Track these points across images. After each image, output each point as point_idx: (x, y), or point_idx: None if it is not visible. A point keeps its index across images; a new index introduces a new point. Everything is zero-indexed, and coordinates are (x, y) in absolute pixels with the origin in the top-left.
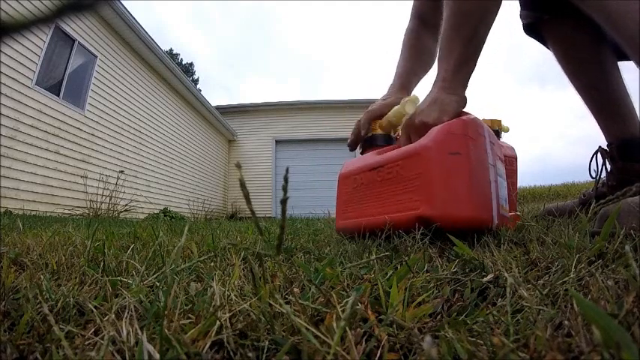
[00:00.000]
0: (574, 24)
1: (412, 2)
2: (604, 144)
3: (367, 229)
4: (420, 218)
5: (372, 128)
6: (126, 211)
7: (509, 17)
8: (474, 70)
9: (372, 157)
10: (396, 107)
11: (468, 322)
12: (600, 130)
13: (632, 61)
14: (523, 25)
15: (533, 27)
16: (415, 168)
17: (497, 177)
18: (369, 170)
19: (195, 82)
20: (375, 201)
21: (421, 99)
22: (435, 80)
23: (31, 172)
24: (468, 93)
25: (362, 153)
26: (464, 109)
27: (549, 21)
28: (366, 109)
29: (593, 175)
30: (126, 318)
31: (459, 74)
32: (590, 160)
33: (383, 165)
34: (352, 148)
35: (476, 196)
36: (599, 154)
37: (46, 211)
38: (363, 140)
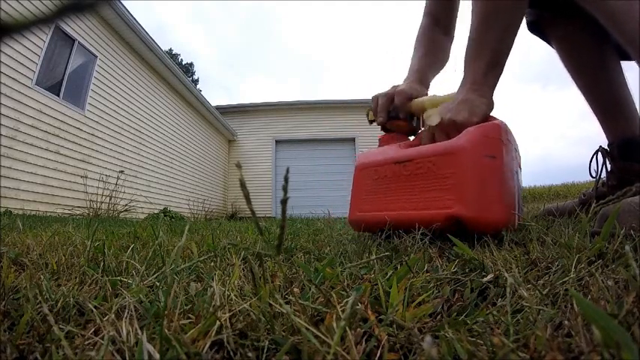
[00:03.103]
0: (577, 23)
1: (424, 1)
2: (605, 144)
3: (390, 223)
4: (452, 217)
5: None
6: (126, 211)
7: None
8: (502, 72)
9: (395, 150)
10: (436, 97)
11: (468, 322)
12: (601, 130)
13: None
14: (527, 22)
15: (536, 25)
16: (449, 167)
17: (518, 183)
18: (394, 163)
19: (195, 82)
20: (401, 195)
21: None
22: (463, 81)
23: (31, 172)
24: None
25: (383, 129)
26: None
27: (552, 19)
28: (368, 104)
29: (594, 175)
30: (126, 318)
31: (489, 77)
32: (591, 160)
33: (412, 159)
34: (385, 126)
35: (506, 201)
36: (599, 154)
37: (46, 211)
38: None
